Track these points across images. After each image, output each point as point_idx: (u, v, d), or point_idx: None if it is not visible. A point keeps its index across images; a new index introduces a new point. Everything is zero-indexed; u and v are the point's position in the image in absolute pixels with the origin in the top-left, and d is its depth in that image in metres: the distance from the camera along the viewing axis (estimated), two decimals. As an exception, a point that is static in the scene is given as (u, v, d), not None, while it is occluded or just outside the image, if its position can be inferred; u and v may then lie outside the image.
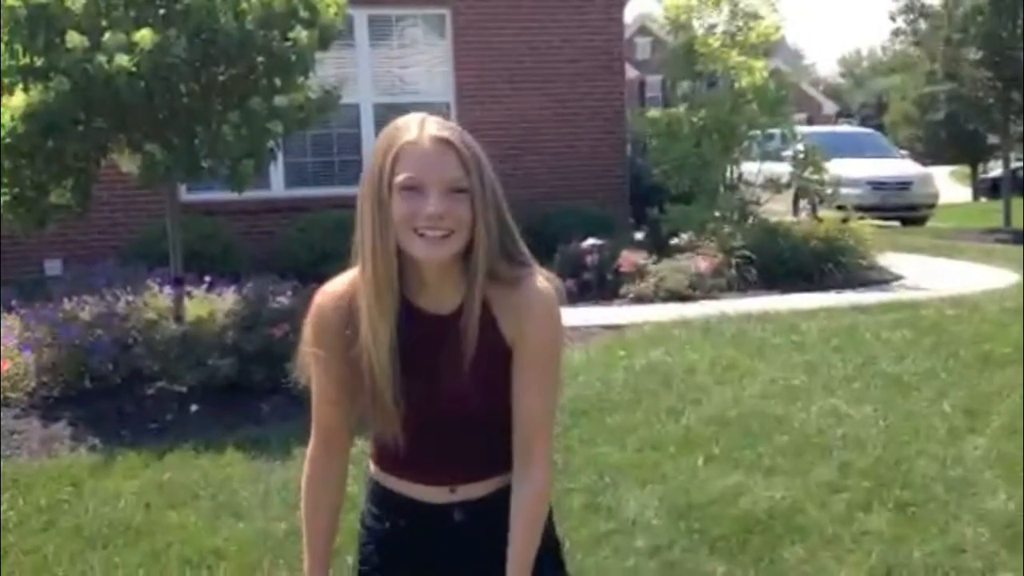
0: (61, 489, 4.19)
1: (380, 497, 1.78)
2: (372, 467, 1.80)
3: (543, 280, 1.67)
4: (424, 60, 10.84)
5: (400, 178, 1.54)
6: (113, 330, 5.64)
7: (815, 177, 10.25)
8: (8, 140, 5.40)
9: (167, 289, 6.27)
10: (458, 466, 1.72)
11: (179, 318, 5.95)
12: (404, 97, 10.52)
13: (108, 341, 5.49)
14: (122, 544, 3.69)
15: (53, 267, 8.99)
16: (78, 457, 4.61)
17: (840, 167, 11.18)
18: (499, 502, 1.71)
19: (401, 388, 1.63)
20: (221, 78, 5.86)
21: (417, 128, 1.58)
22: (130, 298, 6.20)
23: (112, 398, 5.27)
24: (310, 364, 1.70)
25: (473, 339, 1.61)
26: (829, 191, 10.39)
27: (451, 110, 10.56)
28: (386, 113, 10.26)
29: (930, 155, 28.88)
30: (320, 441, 1.77)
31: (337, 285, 1.69)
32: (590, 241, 8.69)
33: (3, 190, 5.65)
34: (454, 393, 1.64)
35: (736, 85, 9.87)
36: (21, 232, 6.23)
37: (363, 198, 1.59)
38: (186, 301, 6.13)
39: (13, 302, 6.48)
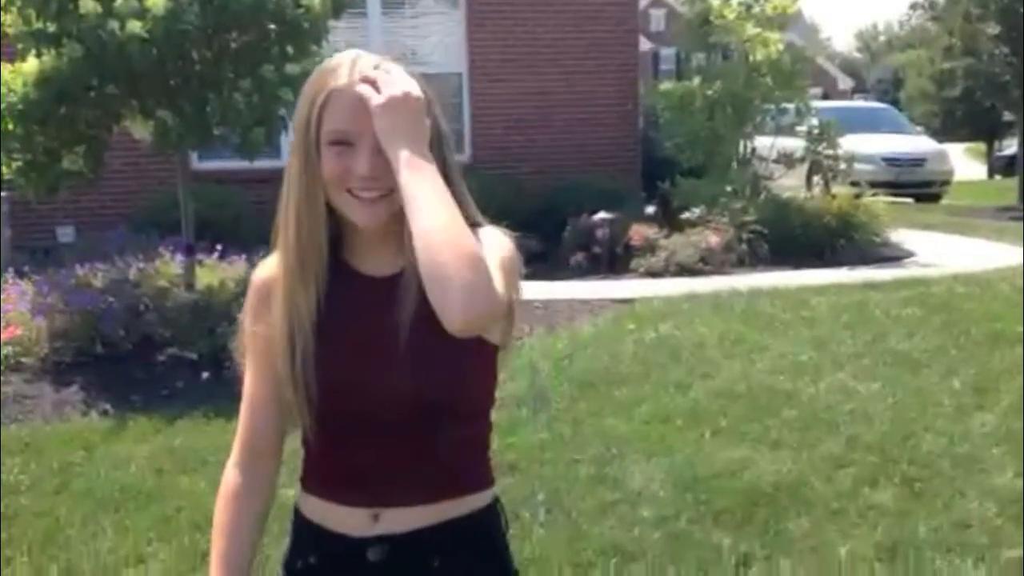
0: (73, 453, 4.24)
1: (296, 527, 1.47)
2: (298, 486, 1.48)
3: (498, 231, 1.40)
4: (437, 30, 10.77)
5: (327, 132, 1.31)
6: (125, 297, 5.67)
7: (829, 152, 10.19)
8: (20, 106, 5.41)
9: (178, 257, 6.29)
10: (385, 480, 1.37)
11: (190, 286, 5.98)
12: (416, 67, 10.38)
13: (120, 308, 5.52)
14: (133, 508, 3.73)
15: (65, 234, 9.02)
16: (90, 422, 4.65)
17: (854, 143, 11.09)
18: (429, 544, 1.37)
19: (321, 367, 1.35)
20: (233, 45, 5.84)
21: (347, 71, 1.31)
22: (142, 265, 6.24)
23: (123, 364, 5.31)
24: (245, 351, 1.45)
25: (413, 302, 1.32)
26: (843, 167, 10.31)
27: (463, 81, 10.51)
28: (398, 83, 10.22)
29: (946, 132, 28.61)
30: (246, 448, 1.46)
31: (274, 260, 1.43)
32: (600, 215, 8.67)
33: (15, 156, 5.67)
34: (385, 372, 1.33)
35: (751, 58, 9.78)
36: (33, 198, 6.25)
37: (291, 150, 1.36)
38: (197, 269, 6.16)
39: (26, 268, 6.53)
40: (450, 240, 1.22)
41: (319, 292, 1.36)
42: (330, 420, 1.37)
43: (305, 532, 1.45)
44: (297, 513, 1.47)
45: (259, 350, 1.41)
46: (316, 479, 1.44)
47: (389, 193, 1.31)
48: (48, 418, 4.72)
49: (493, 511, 1.45)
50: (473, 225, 1.34)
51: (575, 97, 10.78)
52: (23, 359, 5.29)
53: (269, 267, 1.43)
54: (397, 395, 1.33)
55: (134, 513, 3.69)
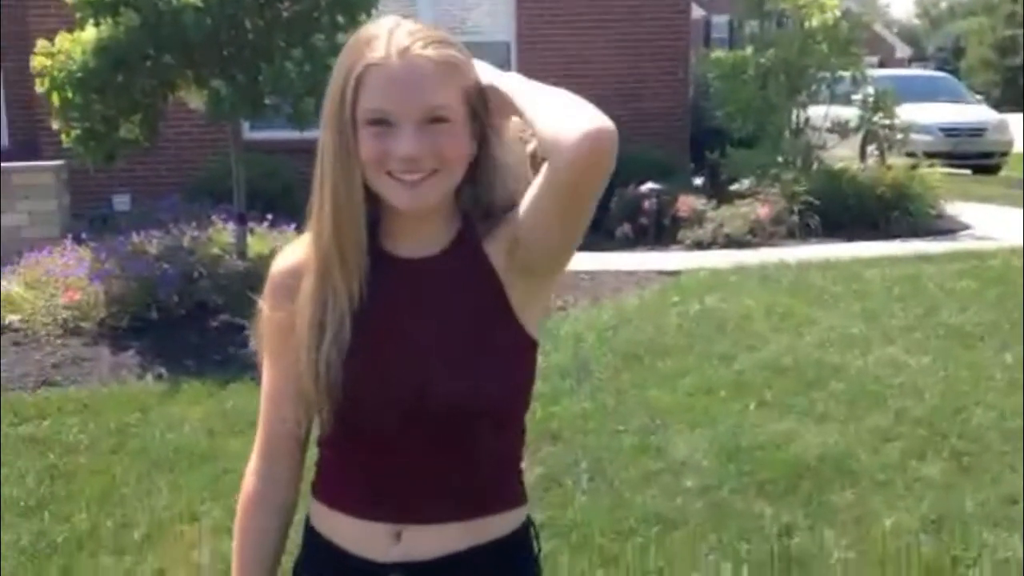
0: (129, 414, 4.36)
1: (309, 542, 1.34)
2: (311, 497, 1.35)
3: None
4: (486, -1, 10.72)
5: (364, 110, 1.19)
6: (179, 264, 5.79)
7: (885, 122, 9.97)
8: (80, 74, 5.52)
9: (230, 225, 6.40)
10: (410, 490, 1.25)
11: (242, 254, 6.09)
12: (465, 36, 10.43)
13: (174, 274, 5.65)
14: (186, 467, 3.84)
15: (122, 202, 9.21)
16: (145, 385, 4.78)
17: (911, 112, 10.85)
18: (455, 574, 1.25)
19: (349, 357, 1.22)
20: (285, 15, 5.89)
21: (384, 42, 1.19)
22: (195, 233, 6.36)
23: (178, 329, 5.44)
24: (264, 345, 1.32)
25: (455, 286, 1.24)
26: (899, 136, 10.10)
27: (511, 50, 10.47)
28: (447, 52, 10.21)
29: (1007, 101, 27.83)
30: (265, 452, 1.33)
31: (298, 247, 1.31)
32: (648, 185, 8.61)
33: (75, 124, 5.79)
34: (420, 365, 1.22)
35: (806, 25, 9.59)
36: (91, 166, 6.39)
37: (324, 126, 1.23)
38: (248, 237, 6.26)
39: (83, 235, 6.69)
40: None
41: (360, 280, 1.23)
42: (353, 417, 1.24)
43: (319, 551, 1.31)
44: (308, 526, 1.34)
45: (281, 340, 1.28)
46: (332, 488, 1.31)
47: (433, 174, 1.20)
48: (105, 380, 4.86)
49: (526, 534, 1.31)
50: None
51: (623, 66, 10.68)
52: (82, 323, 5.44)
53: (294, 254, 1.30)
54: (431, 389, 1.21)
55: (187, 472, 3.79)
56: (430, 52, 1.19)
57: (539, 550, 1.33)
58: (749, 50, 9.90)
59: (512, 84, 1.23)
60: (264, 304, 1.31)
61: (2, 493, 3.61)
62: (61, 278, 5.81)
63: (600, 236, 8.34)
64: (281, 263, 1.32)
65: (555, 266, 1.28)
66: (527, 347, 1.27)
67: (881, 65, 26.54)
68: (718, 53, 10.63)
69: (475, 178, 1.26)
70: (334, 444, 1.29)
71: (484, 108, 1.23)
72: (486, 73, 1.25)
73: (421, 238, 1.26)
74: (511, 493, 1.31)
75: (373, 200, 1.23)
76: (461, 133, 1.21)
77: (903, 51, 38.62)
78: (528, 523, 1.32)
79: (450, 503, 1.25)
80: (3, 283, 6.00)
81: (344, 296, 1.23)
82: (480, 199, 1.27)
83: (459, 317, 1.23)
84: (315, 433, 1.33)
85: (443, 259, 1.25)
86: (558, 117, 1.16)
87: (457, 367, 1.22)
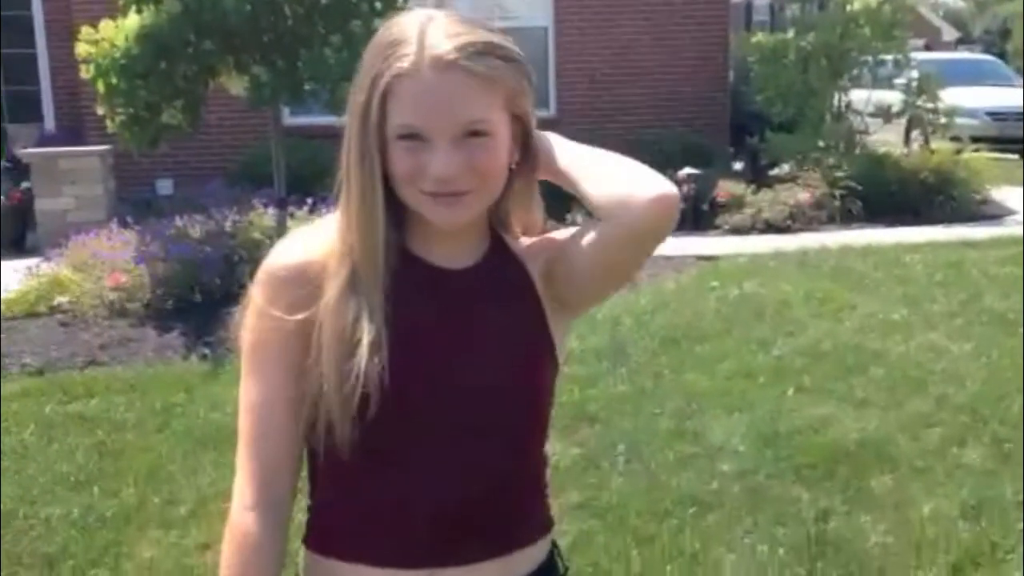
0: (174, 394, 4.45)
1: None
2: (306, 554, 1.18)
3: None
4: (524, -17, 10.70)
5: (394, 126, 1.08)
6: (221, 247, 5.88)
7: (929, 106, 9.82)
8: (123, 61, 5.62)
9: (271, 210, 6.49)
10: (449, 523, 1.12)
11: (282, 238, 6.16)
12: (502, 22, 10.44)
13: (216, 257, 5.74)
14: (229, 446, 3.90)
15: (164, 186, 9.36)
16: (189, 365, 4.88)
17: (957, 96, 10.66)
18: None
19: (394, 372, 1.08)
20: (323, 1, 5.94)
21: (415, 47, 1.06)
22: (236, 218, 6.45)
23: (220, 311, 5.52)
24: (255, 349, 1.13)
25: (490, 301, 1.16)
26: (943, 121, 9.94)
27: (549, 35, 10.44)
28: (485, 37, 10.21)
29: (1057, 85, 27.15)
30: (262, 484, 1.12)
31: (308, 240, 1.16)
32: (686, 170, 8.56)
33: (119, 110, 5.90)
34: (458, 378, 1.12)
35: (848, 8, 9.46)
36: (135, 151, 6.50)
37: (347, 135, 1.12)
38: (288, 221, 6.34)
39: (128, 219, 6.82)
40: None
41: (386, 283, 1.11)
42: (387, 439, 1.10)
43: None
44: None
45: (282, 345, 1.11)
46: (344, 531, 1.14)
47: (470, 192, 1.10)
48: (151, 361, 4.96)
49: (553, 562, 1.24)
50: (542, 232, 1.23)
51: (662, 50, 10.62)
52: (128, 305, 5.55)
53: (304, 249, 1.15)
54: (483, 406, 1.12)
55: (230, 451, 3.83)
56: (467, 60, 1.06)
57: (566, 571, 1.27)
58: (790, 33, 9.79)
59: (568, 156, 1.18)
60: (262, 300, 1.12)
61: (53, 469, 3.71)
62: (107, 261, 5.93)
63: (638, 221, 8.32)
64: (287, 257, 1.14)
65: (586, 306, 1.27)
66: (556, 368, 1.21)
67: (927, 48, 26.04)
68: (759, 37, 10.51)
69: (510, 190, 1.17)
70: (350, 479, 1.13)
71: (526, 113, 1.14)
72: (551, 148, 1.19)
73: (455, 247, 1.17)
74: (548, 516, 1.24)
75: (400, 205, 1.13)
76: (501, 147, 1.11)
77: (950, 34, 37.85)
78: (554, 547, 1.25)
79: (483, 539, 1.14)
80: (51, 266, 6.14)
81: (378, 307, 1.10)
82: (511, 213, 1.21)
83: (502, 331, 1.15)
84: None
85: (480, 271, 1.17)
86: (627, 179, 1.14)
87: (506, 384, 1.14)
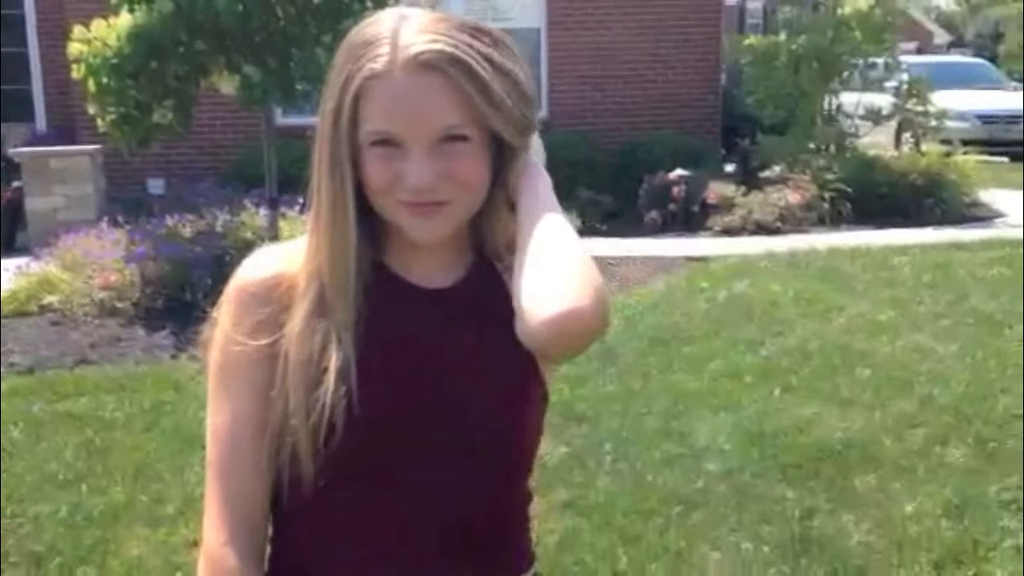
0: (163, 393, 4.46)
1: None
2: None
3: None
4: (516, -15, 10.73)
5: (366, 132, 1.01)
6: (212, 247, 5.89)
7: (919, 109, 9.88)
8: (115, 60, 5.62)
9: (262, 210, 6.49)
10: (418, 557, 1.05)
11: (273, 238, 6.17)
12: (495, 23, 10.45)
13: (207, 257, 5.75)
14: (218, 445, 3.92)
15: (156, 186, 9.36)
16: (178, 364, 4.88)
17: (947, 99, 10.72)
18: None
19: (363, 398, 1.01)
20: (315, 1, 5.95)
21: (388, 48, 0.99)
22: (228, 217, 6.46)
23: (211, 311, 5.52)
24: (222, 371, 1.06)
25: (469, 324, 1.08)
26: (933, 123, 9.99)
27: (541, 36, 10.47)
28: (477, 39, 10.22)
29: (1048, 89, 27.26)
30: (237, 515, 1.05)
31: (278, 256, 1.09)
32: (677, 172, 8.60)
33: (110, 109, 5.90)
34: (436, 405, 1.04)
35: (840, 11, 9.51)
36: (126, 151, 6.50)
37: (319, 140, 1.05)
38: (280, 222, 6.35)
39: (119, 218, 6.82)
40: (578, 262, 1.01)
41: (359, 303, 1.04)
42: (349, 467, 1.02)
43: None
44: None
45: (250, 367, 1.04)
46: (305, 565, 1.07)
47: (447, 202, 1.03)
48: (140, 360, 4.97)
49: None
50: None
51: (654, 52, 10.65)
52: (117, 304, 5.56)
53: (271, 264, 1.08)
54: (446, 433, 1.03)
55: (219, 450, 3.87)
56: (442, 60, 0.98)
57: None
58: (782, 36, 9.84)
59: (527, 217, 1.04)
60: (228, 321, 1.06)
61: (42, 467, 3.72)
62: (98, 260, 5.94)
63: (628, 222, 8.36)
64: (254, 273, 1.07)
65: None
66: (544, 395, 1.12)
67: (919, 51, 26.16)
68: (751, 39, 10.56)
69: (492, 202, 1.07)
70: (315, 511, 1.05)
71: (506, 126, 1.03)
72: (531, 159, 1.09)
73: (434, 265, 1.09)
74: (530, 550, 1.15)
75: (376, 218, 1.06)
76: (481, 152, 1.02)
77: (942, 37, 37.99)
78: None
79: (457, 574, 1.06)
80: (42, 265, 6.14)
81: (347, 331, 1.02)
82: (494, 228, 1.10)
83: (483, 355, 1.06)
84: None
85: (461, 291, 1.09)
86: (536, 288, 0.99)
87: (487, 409, 1.06)
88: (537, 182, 1.07)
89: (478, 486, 1.06)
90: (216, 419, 1.06)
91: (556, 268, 1.00)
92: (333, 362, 1.01)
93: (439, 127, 0.99)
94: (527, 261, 1.01)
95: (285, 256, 1.08)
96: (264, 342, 1.03)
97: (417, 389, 1.03)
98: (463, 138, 1.00)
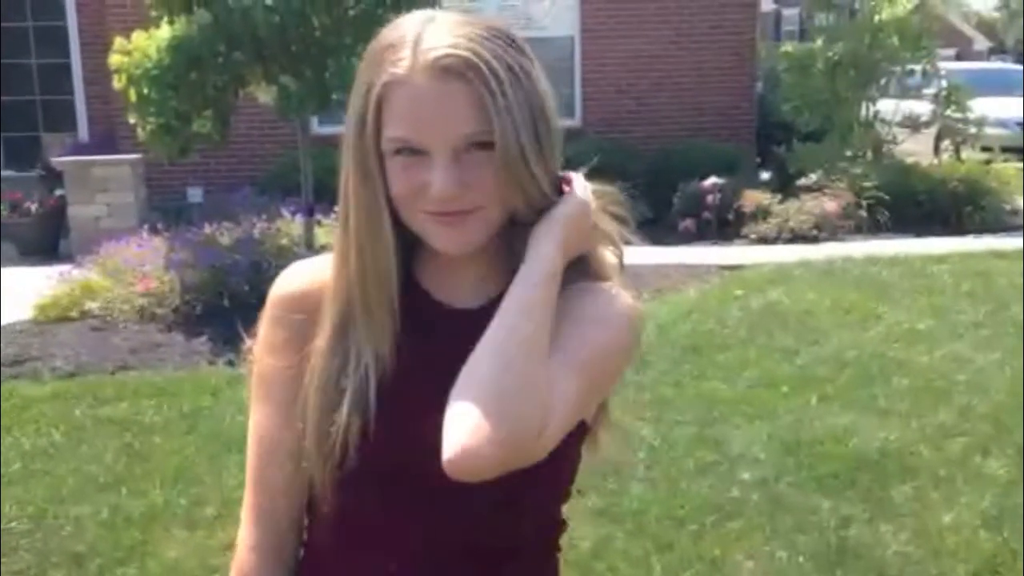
0: (201, 398, 4.52)
1: None
2: None
3: (626, 295, 1.06)
4: (551, -6, 10.76)
5: (388, 139, 0.97)
6: (249, 254, 5.96)
7: (958, 116, 9.75)
8: (155, 71, 5.72)
9: (298, 217, 6.56)
10: None
11: (309, 245, 6.24)
12: (529, 32, 10.49)
13: (245, 264, 5.81)
14: (255, 450, 3.97)
15: (195, 194, 9.50)
16: (217, 370, 4.95)
17: (987, 106, 10.58)
18: None
19: (382, 425, 1.00)
20: (351, 12, 6.02)
21: (410, 52, 0.95)
22: (265, 225, 6.53)
23: (248, 317, 5.58)
24: (259, 380, 1.08)
25: None
26: (973, 131, 9.86)
27: (575, 44, 10.48)
28: (511, 48, 10.26)
29: (1092, 95, 26.75)
30: (270, 520, 1.07)
31: (312, 269, 1.09)
32: (712, 180, 8.56)
33: (150, 120, 6.00)
34: None
35: (877, 17, 9.43)
36: (166, 160, 6.61)
37: (346, 150, 1.02)
38: (316, 229, 6.42)
39: (159, 226, 6.93)
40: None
41: (388, 336, 1.01)
42: (364, 494, 1.01)
43: None
44: None
45: (283, 382, 1.05)
46: None
47: (477, 210, 0.97)
48: (179, 365, 5.04)
49: None
50: (595, 275, 1.04)
51: (689, 60, 10.62)
52: (157, 310, 5.64)
53: (310, 274, 1.07)
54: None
55: (256, 455, 3.92)
56: (464, 66, 0.93)
57: None
58: (819, 42, 9.77)
59: (519, 278, 0.96)
60: (263, 334, 1.08)
61: (83, 470, 3.79)
62: (138, 267, 6.03)
63: (662, 230, 8.33)
64: (287, 286, 1.07)
65: None
66: (581, 430, 1.06)
67: (958, 58, 25.83)
68: (787, 46, 10.50)
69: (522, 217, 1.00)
70: (333, 531, 1.06)
71: (546, 124, 0.98)
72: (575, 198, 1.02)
73: (466, 282, 1.04)
74: None
75: (405, 231, 1.01)
76: (510, 163, 0.96)
77: (982, 43, 37.50)
78: None
79: None
80: (83, 271, 6.25)
81: (369, 354, 1.00)
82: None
83: None
84: None
85: (492, 312, 0.98)
86: (451, 412, 0.91)
87: None
88: (543, 242, 0.97)
89: (487, 519, 1.02)
90: (255, 422, 1.09)
91: (469, 394, 0.90)
92: (351, 384, 1.00)
93: (460, 135, 0.95)
94: (458, 381, 0.92)
95: (319, 269, 1.07)
96: (289, 362, 1.04)
97: (434, 416, 0.94)
98: (489, 144, 0.95)
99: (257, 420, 1.08)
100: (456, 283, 1.05)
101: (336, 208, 1.04)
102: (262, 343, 1.07)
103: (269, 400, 1.07)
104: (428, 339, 1.03)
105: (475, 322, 0.98)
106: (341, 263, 1.02)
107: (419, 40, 0.96)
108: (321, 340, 1.02)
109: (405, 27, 0.98)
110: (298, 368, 1.03)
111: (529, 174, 0.96)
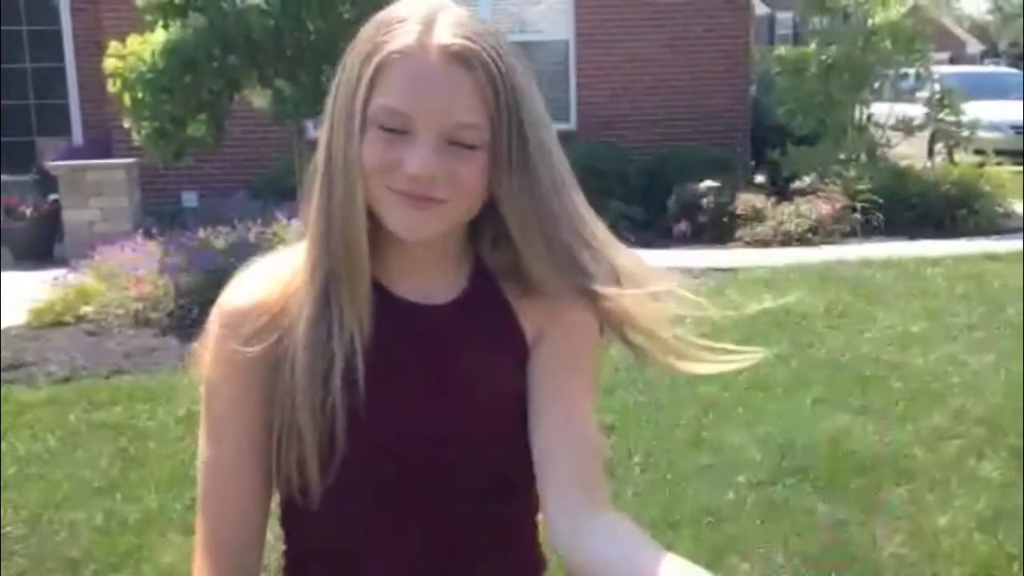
0: (197, 402, 4.48)
1: None
2: None
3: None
4: (545, -2, 10.78)
5: (378, 107, 0.93)
6: (244, 258, 5.88)
7: (951, 119, 9.79)
8: (149, 75, 5.72)
9: (294, 222, 6.56)
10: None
11: (304, 248, 6.24)
12: (523, 36, 10.51)
13: (240, 268, 5.80)
14: (250, 454, 3.96)
15: (189, 199, 9.49)
16: (211, 374, 4.93)
17: (980, 109, 10.61)
18: None
19: (358, 412, 0.98)
20: (346, 16, 6.03)
21: (420, 29, 0.93)
22: (260, 229, 6.53)
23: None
24: (208, 398, 1.04)
25: (487, 343, 1.01)
26: (966, 134, 9.90)
27: (570, 49, 10.50)
28: (506, 51, 10.27)
29: (1085, 98, 26.86)
30: (227, 561, 1.04)
31: (257, 279, 1.04)
32: (706, 183, 8.58)
33: (145, 123, 6.01)
34: (442, 426, 0.99)
35: (870, 21, 9.46)
36: (160, 164, 6.61)
37: (332, 118, 0.98)
38: (311, 232, 6.41)
39: (153, 230, 6.93)
40: None
41: (367, 315, 0.98)
42: (348, 482, 0.99)
43: None
44: None
45: (244, 394, 1.01)
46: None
47: (442, 202, 0.95)
48: (174, 370, 5.02)
49: None
50: (576, 287, 1.00)
51: (683, 63, 10.64)
52: (151, 315, 5.64)
53: (257, 289, 1.02)
54: (454, 456, 0.99)
55: (251, 459, 3.92)
56: (474, 58, 0.92)
57: None
58: (813, 45, 9.80)
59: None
60: (215, 348, 1.01)
61: (77, 475, 3.78)
62: (132, 272, 6.03)
63: (657, 234, 8.34)
64: (242, 298, 1.02)
65: None
66: None
67: (952, 61, 25.92)
68: (781, 50, 10.53)
69: (494, 222, 1.00)
70: (319, 526, 1.04)
71: (519, 137, 0.95)
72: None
73: (425, 279, 1.02)
74: (530, 567, 1.09)
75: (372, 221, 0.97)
76: (485, 166, 0.95)
77: (975, 47, 37.63)
78: None
79: None
80: (78, 276, 6.25)
81: (352, 332, 0.98)
82: (500, 250, 1.01)
83: (481, 382, 1.00)
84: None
85: (458, 310, 1.01)
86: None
87: (469, 435, 1.00)
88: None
89: (464, 510, 1.01)
90: (202, 446, 1.05)
91: None
92: (339, 351, 0.97)
93: (453, 121, 0.93)
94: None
95: (272, 275, 1.03)
96: (247, 376, 1.00)
97: (401, 410, 0.98)
98: (472, 146, 0.94)
99: (205, 441, 1.04)
100: (415, 279, 1.02)
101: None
102: (211, 357, 1.00)
103: (225, 414, 1.02)
104: (401, 334, 1.01)
105: (448, 317, 1.00)
106: (325, 228, 0.97)
107: (433, 22, 0.94)
108: (303, 322, 0.98)
109: (416, 7, 0.95)
110: (258, 377, 0.99)
111: (509, 179, 0.95)
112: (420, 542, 1.01)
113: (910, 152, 10.33)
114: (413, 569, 1.02)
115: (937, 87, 9.86)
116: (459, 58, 0.92)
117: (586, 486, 0.93)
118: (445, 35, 0.93)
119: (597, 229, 1.02)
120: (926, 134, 10.64)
